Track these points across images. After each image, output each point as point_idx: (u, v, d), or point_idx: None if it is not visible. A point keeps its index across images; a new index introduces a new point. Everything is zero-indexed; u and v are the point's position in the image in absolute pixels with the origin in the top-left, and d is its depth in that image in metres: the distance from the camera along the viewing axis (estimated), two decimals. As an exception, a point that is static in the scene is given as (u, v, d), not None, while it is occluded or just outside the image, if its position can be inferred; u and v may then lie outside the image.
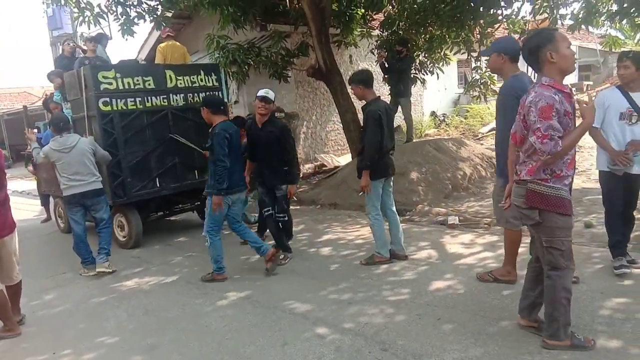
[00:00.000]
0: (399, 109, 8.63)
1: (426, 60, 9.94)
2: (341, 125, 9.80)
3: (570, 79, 25.00)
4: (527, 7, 12.08)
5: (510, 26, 8.79)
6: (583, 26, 7.83)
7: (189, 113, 6.44)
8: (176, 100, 6.41)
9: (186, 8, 9.25)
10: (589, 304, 3.45)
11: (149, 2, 8.35)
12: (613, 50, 9.55)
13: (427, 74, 10.20)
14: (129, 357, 3.37)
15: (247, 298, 4.22)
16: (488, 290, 3.85)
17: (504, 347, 2.97)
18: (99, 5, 8.09)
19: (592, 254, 4.42)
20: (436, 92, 14.66)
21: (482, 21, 8.53)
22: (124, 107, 5.97)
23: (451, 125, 14.20)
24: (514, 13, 8.58)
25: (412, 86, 9.29)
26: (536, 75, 2.90)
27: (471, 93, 10.10)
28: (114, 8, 8.12)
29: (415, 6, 9.01)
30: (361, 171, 4.55)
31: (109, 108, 5.85)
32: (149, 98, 6.18)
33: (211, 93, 6.77)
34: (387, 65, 8.67)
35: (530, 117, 2.70)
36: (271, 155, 4.91)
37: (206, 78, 6.78)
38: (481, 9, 8.12)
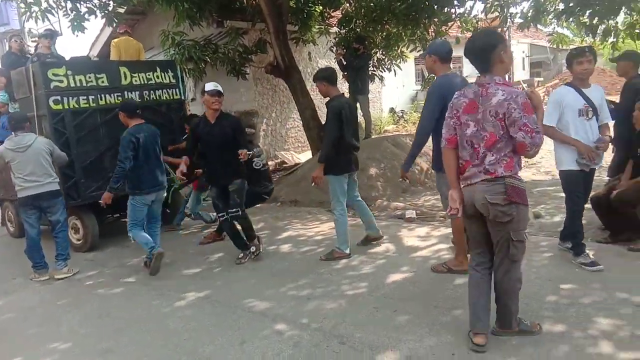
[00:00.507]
0: (358, 106, 8.71)
1: (384, 57, 10.08)
2: (301, 123, 9.83)
3: (522, 76, 25.90)
4: (479, 6, 12.43)
5: (463, 24, 9.03)
6: (532, 24, 8.13)
7: (145, 111, 6.18)
8: (131, 97, 6.22)
9: (140, 4, 9.04)
10: (537, 291, 3.61)
11: (99, -3, 8.10)
12: (561, 47, 9.96)
13: (384, 71, 10.36)
14: (83, 363, 3.29)
15: (206, 298, 4.18)
16: (442, 281, 3.97)
17: (457, 335, 3.07)
18: (47, 0, 7.77)
19: (540, 243, 4.61)
20: (394, 89, 14.90)
21: (436, 19, 8.72)
22: (76, 106, 5.76)
23: (409, 121, 14.48)
24: (467, 12, 8.82)
25: (370, 83, 9.41)
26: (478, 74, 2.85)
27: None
28: (63, 3, 7.83)
29: (371, 4, 9.12)
30: (329, 167, 4.65)
31: (60, 107, 5.63)
32: (103, 96, 5.98)
33: (168, 90, 6.64)
34: (345, 63, 8.74)
35: (513, 114, 2.64)
36: (226, 151, 4.77)
37: (162, 75, 6.62)
38: (435, 8, 8.30)
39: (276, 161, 11.11)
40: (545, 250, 4.43)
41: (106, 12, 8.28)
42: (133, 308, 4.12)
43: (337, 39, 9.77)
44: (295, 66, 9.23)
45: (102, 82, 5.99)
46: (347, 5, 9.70)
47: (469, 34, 9.27)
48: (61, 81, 5.66)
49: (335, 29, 10.19)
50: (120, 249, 6.06)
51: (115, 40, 7.18)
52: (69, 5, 7.86)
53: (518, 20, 8.49)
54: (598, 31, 7.52)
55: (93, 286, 4.79)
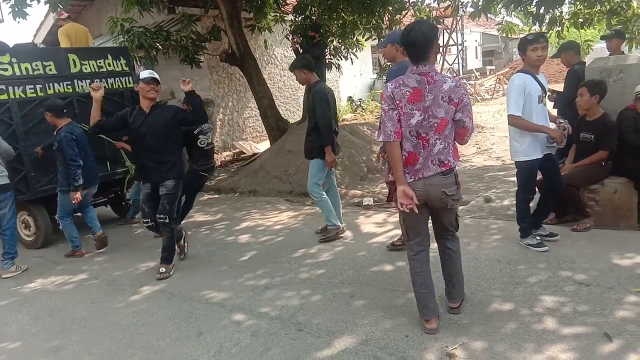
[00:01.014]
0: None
1: (340, 45, 10.10)
2: (258, 112, 9.74)
3: (475, 64, 26.61)
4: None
5: (417, 13, 9.15)
6: (483, 13, 8.33)
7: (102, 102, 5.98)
8: (82, 86, 5.95)
9: (86, -11, 8.66)
10: (486, 271, 3.75)
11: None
12: (511, 36, 10.28)
13: (341, 60, 10.38)
14: (32, 362, 3.18)
15: (162, 291, 4.11)
16: (396, 265, 4.06)
17: (411, 317, 3.15)
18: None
19: (490, 226, 4.78)
20: (352, 77, 14.99)
21: (390, 8, 8.80)
22: (23, 95, 5.49)
23: (367, 109, 14.60)
24: (420, 0, 8.95)
25: (327, 72, 9.41)
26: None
27: (384, 78, 10.43)
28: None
29: (326, -9, 9.10)
30: (316, 151, 4.74)
31: (5, 96, 5.36)
32: (51, 85, 5.73)
33: (121, 78, 6.38)
34: (301, 51, 8.69)
35: (464, 99, 2.74)
36: (161, 143, 4.33)
37: (114, 62, 6.35)
38: (389, -4, 8.39)
39: (234, 151, 10.98)
40: (494, 233, 4.60)
41: (50, -3, 7.88)
42: (86, 304, 4.00)
43: (292, 27, 9.70)
44: (250, 54, 9.12)
45: (50, 70, 5.73)
46: (302, -8, 9.63)
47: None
48: (5, 69, 5.38)
49: (290, 17, 10.11)
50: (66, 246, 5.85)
51: (64, 27, 6.84)
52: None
53: (469, 9, 8.69)
54: (545, 20, 7.80)
55: (43, 283, 4.62)
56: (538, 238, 4.14)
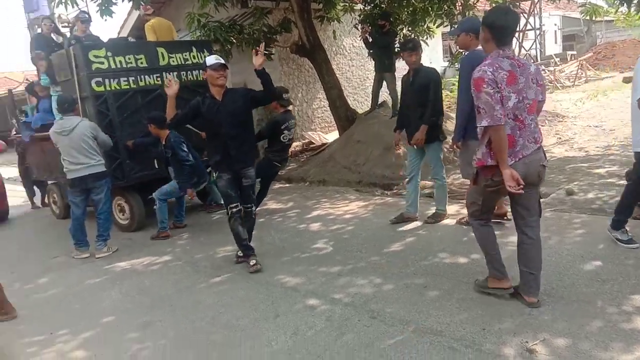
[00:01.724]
0: (384, 84, 8.64)
1: (410, 33, 9.91)
2: (327, 102, 9.81)
3: (554, 49, 25.10)
4: (509, -22, 12.04)
5: (492, -3, 8.80)
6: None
7: (183, 92, 5.90)
8: (169, 78, 6.26)
9: (166, -14, 9.10)
10: (569, 267, 3.58)
11: (127, -19, 8.17)
12: (595, 19, 9.61)
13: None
14: (125, 335, 3.45)
15: (239, 274, 4.30)
16: (471, 258, 3.97)
17: (489, 310, 3.09)
18: (75, -14, 7.89)
19: (573, 220, 4.55)
20: (421, 65, 14.64)
21: (464, -7, 8.52)
22: (117, 87, 5.82)
23: (437, 98, 14.24)
24: (496, -16, 8.58)
25: (397, 60, 9.29)
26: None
27: (456, 66, 10.12)
28: (91, -12, 7.94)
29: (397, -21, 8.96)
30: (433, 133, 4.81)
31: (102, 88, 5.70)
32: (142, 77, 6.02)
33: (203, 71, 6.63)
34: (370, 40, 8.64)
35: (543, 81, 3.03)
36: (239, 128, 4.29)
37: (198, 55, 6.57)
38: (463, -19, 8.12)
39: (303, 142, 11.15)
40: (577, 228, 4.37)
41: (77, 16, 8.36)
42: (170, 284, 4.28)
43: (361, 16, 9.65)
44: (320, 45, 9.19)
45: (142, 63, 6.04)
46: (372, -19, 9.54)
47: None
48: (102, 63, 5.71)
49: (359, 6, 10.05)
50: (156, 228, 6.22)
51: (150, 22, 7.11)
52: (98, -11, 7.96)
53: (550, -9, 8.21)
54: (633, 1, 7.21)
55: (132, 263, 4.97)
56: (630, 234, 3.86)
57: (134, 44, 6.82)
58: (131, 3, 8.40)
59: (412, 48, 4.80)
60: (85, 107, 5.77)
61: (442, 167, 5.05)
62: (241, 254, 4.48)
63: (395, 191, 6.67)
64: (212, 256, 4.87)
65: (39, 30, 8.79)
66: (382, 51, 8.43)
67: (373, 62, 9.04)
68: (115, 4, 8.23)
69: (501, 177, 2.82)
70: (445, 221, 5.03)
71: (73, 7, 8.02)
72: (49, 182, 7.58)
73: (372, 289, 3.63)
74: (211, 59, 4.28)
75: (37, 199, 8.73)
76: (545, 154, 3.04)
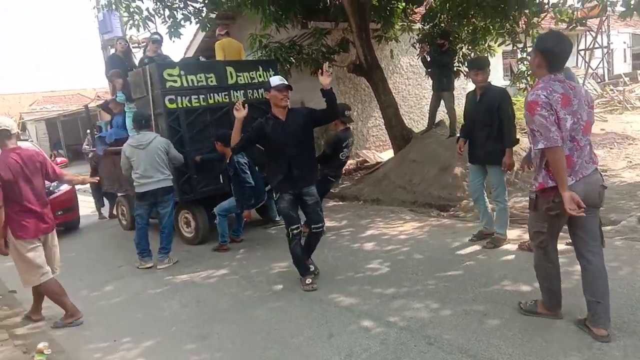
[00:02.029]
0: (442, 103, 8.54)
1: (470, 52, 9.76)
2: (382, 121, 9.80)
3: (623, 68, 23.86)
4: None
5: (557, 15, 8.51)
6: (636, 13, 7.48)
7: (249, 109, 5.90)
8: (236, 96, 6.37)
9: (229, 9, 9.49)
10: (642, 300, 3.36)
11: (194, 5, 8.61)
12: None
13: (471, 67, 10.01)
14: (185, 345, 3.56)
15: (294, 291, 4.34)
16: (534, 286, 3.79)
17: (552, 342, 2.95)
18: (147, 9, 8.41)
19: (646, 250, 4.27)
20: (480, 84, 14.34)
21: (527, 11, 8.30)
22: (189, 105, 6.03)
23: (496, 118, 13.86)
24: (561, 2, 8.30)
25: (455, 80, 9.16)
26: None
27: (518, 85, 9.85)
28: (161, 11, 8.42)
29: (457, -2, 8.88)
30: (500, 155, 4.67)
31: (174, 105, 5.92)
32: (212, 95, 6.22)
33: None
34: (428, 59, 8.59)
35: (593, 102, 3.06)
36: (303, 148, 4.30)
37: (264, 74, 6.74)
38: (526, -1, 7.91)
39: (357, 160, 11.16)
40: (652, 258, 4.10)
41: (200, 18, 8.80)
42: (227, 297, 4.38)
43: (420, 36, 9.62)
44: (377, 64, 9.22)
45: (211, 81, 6.23)
46: (431, 0, 9.51)
47: (563, 26, 8.74)
48: (175, 81, 5.94)
49: (418, 25, 10.03)
50: (215, 241, 6.37)
51: (220, 41, 7.39)
52: (167, 13, 8.44)
53: (619, 8, 7.85)
54: None
55: (191, 276, 5.13)
56: None
57: (205, 63, 7.03)
58: (198, 25, 8.84)
59: (479, 67, 4.73)
60: (158, 123, 6.01)
61: (505, 190, 4.92)
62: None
63: (452, 212, 6.53)
64: (268, 271, 4.95)
65: (113, 51, 9.32)
66: (441, 70, 8.35)
67: (430, 81, 8.97)
68: (183, 26, 8.69)
69: (562, 199, 2.76)
70: (506, 246, 4.85)
71: (144, 29, 8.52)
72: (118, 194, 7.92)
73: (428, 314, 3.56)
74: (275, 80, 4.31)
75: (105, 210, 9.23)
76: (602, 176, 3.03)
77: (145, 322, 4.06)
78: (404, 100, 12.41)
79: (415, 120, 12.54)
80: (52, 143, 25.45)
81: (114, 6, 8.44)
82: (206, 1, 8.44)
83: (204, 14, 8.85)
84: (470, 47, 9.61)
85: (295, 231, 4.29)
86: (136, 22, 8.49)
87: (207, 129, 6.16)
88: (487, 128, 4.71)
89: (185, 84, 6.01)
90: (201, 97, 6.13)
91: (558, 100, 2.79)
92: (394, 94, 9.56)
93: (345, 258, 5.12)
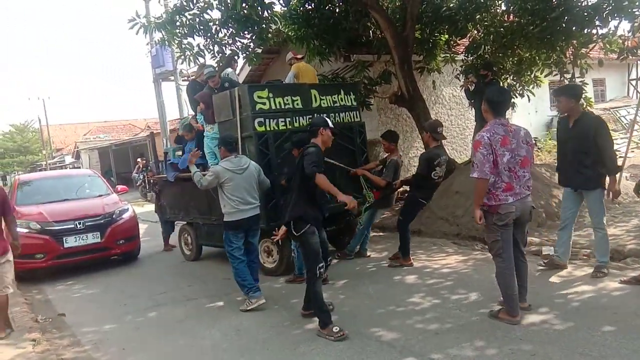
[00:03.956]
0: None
1: (515, 83, 9.63)
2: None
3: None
4: (624, 26, 11.34)
5: (607, 46, 8.30)
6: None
7: (335, 134, 5.37)
8: None
9: (275, 44, 9.81)
10: None
11: (242, 40, 8.95)
12: None
13: (516, 97, 9.86)
14: (224, 375, 3.57)
15: (334, 323, 4.27)
16: (588, 325, 3.61)
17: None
18: (198, 45, 8.80)
19: None
20: (526, 114, 14.06)
21: (574, 42, 8.14)
22: (276, 128, 5.87)
23: (544, 149, 13.49)
24: (611, 32, 8.10)
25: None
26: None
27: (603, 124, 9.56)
28: (211, 47, 8.80)
29: (501, 29, 8.83)
30: (598, 180, 4.63)
31: (263, 128, 5.76)
32: (297, 118, 6.07)
33: (350, 113, 6.66)
34: (471, 90, 8.52)
35: (532, 141, 3.99)
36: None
37: (346, 98, 6.64)
38: (573, 29, 7.77)
39: (399, 190, 11.07)
40: None
41: (247, 53, 9.13)
42: (267, 327, 4.37)
43: (463, 67, 9.59)
44: (419, 95, 9.24)
45: (297, 104, 6.11)
46: (475, 32, 9.50)
47: (613, 56, 8.51)
48: (264, 103, 5.81)
49: (461, 57, 10.01)
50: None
51: (295, 65, 7.30)
52: (216, 49, 8.81)
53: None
54: None
55: (230, 304, 5.16)
56: None
57: (291, 85, 6.81)
58: (245, 60, 9.16)
59: (572, 94, 4.70)
60: (245, 146, 5.80)
61: (604, 216, 4.77)
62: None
63: (497, 246, 6.33)
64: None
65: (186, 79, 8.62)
66: (485, 101, 8.25)
67: (473, 112, 8.87)
68: (236, 62, 8.99)
69: (505, 212, 3.73)
70: (554, 280, 4.63)
71: (195, 64, 8.90)
72: (183, 222, 7.58)
73: (473, 352, 3.43)
74: (328, 120, 4.42)
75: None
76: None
77: (186, 351, 4.10)
78: (447, 131, 12.28)
79: (458, 150, 12.37)
80: (103, 171, 26.65)
81: (167, 42, 8.91)
82: (254, 37, 8.75)
83: (250, 49, 9.18)
84: (515, 78, 9.49)
85: (322, 269, 4.15)
86: (187, 58, 8.90)
87: (291, 153, 5.70)
88: (582, 155, 4.62)
89: (273, 107, 5.88)
90: (287, 120, 5.98)
91: (498, 140, 3.66)
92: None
93: (386, 291, 5.03)
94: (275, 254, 6.04)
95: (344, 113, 6.53)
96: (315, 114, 6.07)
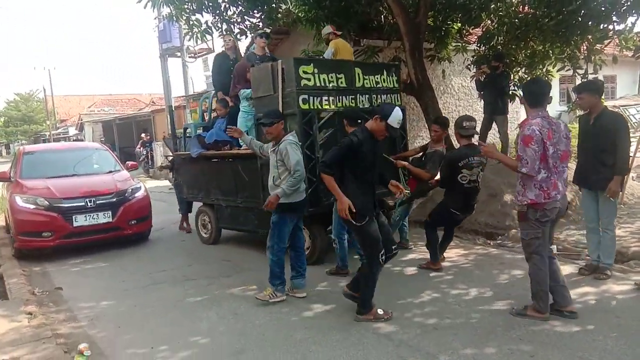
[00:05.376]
0: (494, 126, 8.30)
1: (526, 76, 9.47)
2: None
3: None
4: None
5: (622, 42, 8.13)
6: None
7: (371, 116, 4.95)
8: (362, 101, 5.83)
9: (285, 24, 9.64)
10: None
11: (251, 20, 8.80)
12: None
13: (525, 91, 9.72)
14: (220, 359, 3.54)
15: (332, 312, 4.26)
16: (589, 328, 3.57)
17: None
18: (206, 22, 8.66)
19: None
20: (534, 109, 13.90)
21: (590, 37, 7.97)
22: (319, 107, 5.42)
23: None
24: (627, 28, 7.92)
25: (510, 103, 8.91)
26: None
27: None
28: (219, 25, 8.65)
29: (516, 20, 8.64)
30: (619, 179, 4.52)
31: (307, 106, 5.31)
32: (340, 98, 5.62)
33: (391, 95, 6.22)
34: (482, 81, 8.39)
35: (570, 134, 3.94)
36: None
37: (388, 79, 6.20)
38: (589, 24, 7.60)
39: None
40: None
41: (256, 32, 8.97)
42: (264, 313, 4.34)
43: (474, 57, 9.42)
44: (429, 84, 9.08)
45: (341, 82, 5.65)
46: (488, 22, 9.31)
47: (627, 53, 8.35)
48: (309, 79, 5.35)
49: (473, 46, 9.84)
50: (260, 254, 6.29)
51: (333, 41, 6.89)
52: (224, 26, 8.67)
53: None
54: None
55: (229, 286, 5.12)
56: None
57: (335, 62, 6.27)
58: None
59: (577, 90, 4.66)
60: (287, 125, 5.05)
61: (615, 218, 4.71)
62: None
63: (499, 242, 6.29)
64: (307, 289, 4.80)
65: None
66: (497, 93, 8.14)
67: (482, 103, 8.75)
68: (240, 40, 8.86)
69: (549, 208, 3.66)
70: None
71: (202, 41, 8.77)
72: (202, 203, 7.16)
73: (472, 350, 3.39)
74: (397, 114, 3.84)
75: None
76: None
77: (182, 331, 4.07)
78: (454, 121, 12.18)
79: (464, 142, 12.27)
80: (106, 144, 26.63)
81: (174, 18, 8.76)
82: (263, 16, 8.59)
83: (259, 29, 9.02)
84: (527, 71, 9.33)
85: (383, 256, 3.96)
86: (195, 34, 8.76)
87: (334, 135, 5.43)
88: (602, 153, 4.50)
89: (318, 84, 5.42)
90: (331, 98, 5.53)
91: (546, 134, 3.56)
92: (444, 115, 9.36)
93: (385, 282, 4.94)
94: (308, 241, 5.49)
95: (385, 95, 6.11)
96: (358, 95, 5.79)
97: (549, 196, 3.62)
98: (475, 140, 4.96)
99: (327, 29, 7.18)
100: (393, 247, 4.09)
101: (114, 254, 6.86)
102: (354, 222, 3.86)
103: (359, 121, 4.57)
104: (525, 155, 3.58)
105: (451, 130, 6.02)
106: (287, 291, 4.68)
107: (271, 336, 3.86)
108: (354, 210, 3.78)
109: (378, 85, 6.06)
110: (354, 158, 3.85)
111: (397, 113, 3.83)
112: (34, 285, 5.54)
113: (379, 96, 6.03)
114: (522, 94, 3.89)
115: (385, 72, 6.19)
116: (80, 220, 6.72)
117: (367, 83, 5.92)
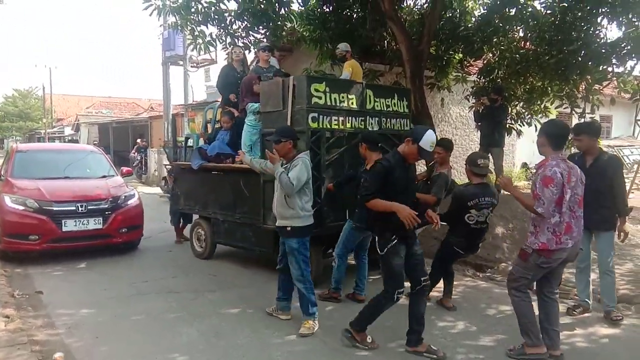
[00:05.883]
0: (490, 158, 8.33)
1: (524, 111, 9.56)
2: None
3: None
4: (641, 65, 11.28)
5: (621, 85, 8.24)
6: None
7: (382, 141, 5.15)
8: (371, 124, 5.74)
9: (289, 42, 9.69)
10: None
11: (255, 35, 8.84)
12: None
13: (523, 125, 9.79)
14: (197, 379, 3.46)
15: (316, 336, 4.18)
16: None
17: None
18: (210, 34, 8.68)
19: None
20: (530, 142, 13.88)
21: (589, 77, 8.08)
22: (328, 126, 5.33)
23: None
24: (627, 71, 8.04)
25: (507, 136, 8.97)
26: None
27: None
28: (223, 38, 8.68)
29: (517, 55, 8.74)
30: (613, 222, 4.57)
31: (316, 125, 5.22)
32: (349, 119, 5.54)
33: (401, 120, 6.17)
34: (480, 113, 8.45)
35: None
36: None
37: (398, 103, 6.16)
38: (589, 64, 7.71)
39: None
40: None
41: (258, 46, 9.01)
42: (247, 332, 4.25)
43: (474, 88, 9.51)
44: (427, 112, 9.13)
45: (352, 103, 5.59)
46: (490, 55, 9.42)
47: (626, 95, 8.45)
48: (320, 97, 5.27)
49: (473, 78, 9.94)
50: (243, 269, 6.29)
51: (348, 61, 6.90)
52: (228, 39, 8.69)
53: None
54: None
55: (213, 302, 5.04)
56: None
57: (347, 82, 6.20)
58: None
59: (575, 132, 4.61)
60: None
61: (612, 258, 4.68)
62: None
63: (489, 274, 6.25)
64: (295, 312, 4.63)
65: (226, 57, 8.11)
66: (494, 125, 8.20)
67: (479, 134, 8.80)
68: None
69: (554, 257, 3.61)
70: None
71: (205, 52, 8.78)
72: (198, 216, 7.01)
73: (455, 386, 3.33)
74: (430, 137, 3.68)
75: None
76: None
77: (161, 347, 3.97)
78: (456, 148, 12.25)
79: (460, 171, 12.28)
80: (100, 147, 26.51)
81: (180, 27, 8.79)
82: (267, 33, 8.64)
83: (262, 45, 9.05)
84: (524, 106, 9.42)
85: (400, 295, 3.82)
86: (198, 45, 8.78)
87: (340, 157, 5.42)
88: (600, 195, 4.44)
89: (328, 103, 5.35)
90: (340, 119, 5.44)
91: (566, 177, 3.53)
92: (440, 143, 9.41)
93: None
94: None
95: (395, 119, 6.06)
96: (368, 117, 5.71)
97: (560, 241, 3.56)
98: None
99: (345, 47, 7.19)
100: (422, 278, 3.85)
101: (98, 260, 6.73)
102: (378, 249, 3.77)
103: (379, 145, 4.53)
104: (543, 195, 3.52)
105: (458, 158, 5.96)
106: (272, 311, 4.62)
107: (252, 357, 3.78)
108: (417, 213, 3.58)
109: (389, 109, 6.03)
110: (386, 183, 3.70)
111: (429, 136, 3.67)
112: (14, 287, 5.42)
113: (388, 120, 5.99)
114: (541, 134, 3.71)
115: (396, 96, 6.18)
116: (69, 225, 6.53)
117: (377, 106, 5.89)
